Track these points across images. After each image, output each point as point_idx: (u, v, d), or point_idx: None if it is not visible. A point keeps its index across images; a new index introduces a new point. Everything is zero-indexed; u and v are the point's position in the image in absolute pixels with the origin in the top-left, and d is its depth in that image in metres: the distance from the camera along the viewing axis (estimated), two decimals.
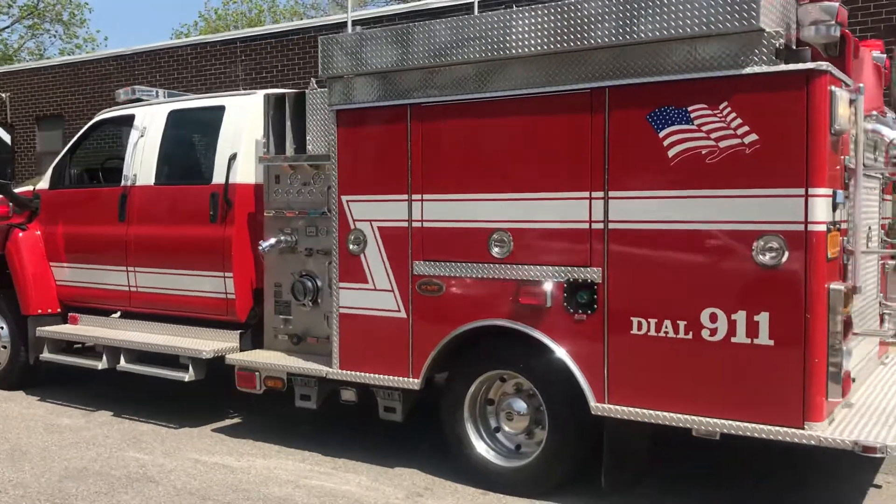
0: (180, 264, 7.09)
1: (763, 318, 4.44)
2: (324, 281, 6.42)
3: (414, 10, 16.07)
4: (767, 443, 4.57)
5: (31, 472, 5.88)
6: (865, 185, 5.00)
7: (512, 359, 5.33)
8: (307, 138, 6.58)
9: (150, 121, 7.47)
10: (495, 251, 5.25)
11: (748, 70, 4.43)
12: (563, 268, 5.01)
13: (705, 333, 4.59)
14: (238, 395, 6.68)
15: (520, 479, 5.33)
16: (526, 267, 5.14)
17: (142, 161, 7.40)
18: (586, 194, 4.91)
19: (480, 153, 5.29)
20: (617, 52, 4.79)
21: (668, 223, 4.69)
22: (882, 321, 5.86)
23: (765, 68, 4.39)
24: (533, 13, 4.99)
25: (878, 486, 5.53)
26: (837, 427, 4.42)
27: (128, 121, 7.70)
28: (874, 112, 5.27)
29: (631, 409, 4.83)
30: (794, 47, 4.67)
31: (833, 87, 4.32)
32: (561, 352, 5.03)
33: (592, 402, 4.94)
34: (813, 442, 4.34)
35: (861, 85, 4.62)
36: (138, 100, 7.97)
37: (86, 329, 7.72)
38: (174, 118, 7.38)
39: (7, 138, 8.00)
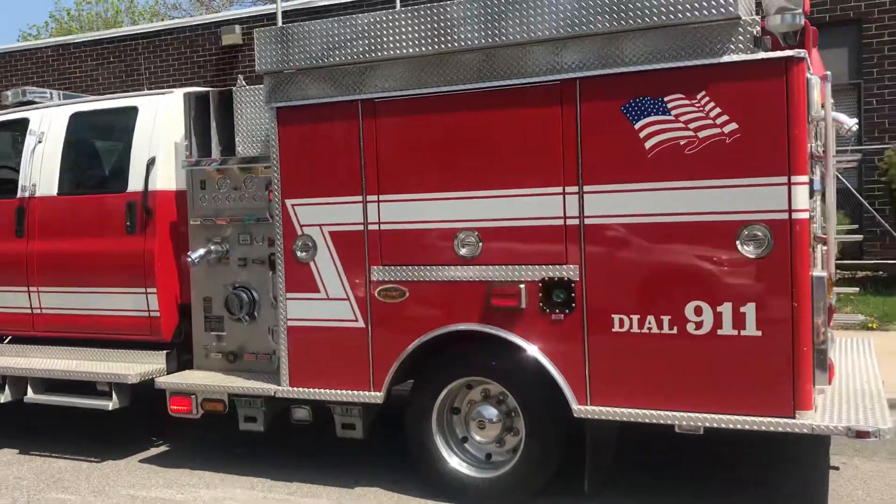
0: (93, 281, 6.44)
1: (749, 309, 4.39)
2: (262, 292, 5.98)
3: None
4: (755, 434, 4.53)
5: None
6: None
7: (485, 364, 5.08)
8: (236, 139, 6.14)
9: (48, 125, 6.75)
10: (463, 252, 5.00)
11: (726, 59, 4.37)
12: (537, 266, 4.82)
13: (691, 327, 4.51)
14: (156, 421, 6.13)
15: (498, 490, 5.09)
16: (497, 267, 4.91)
17: (41, 169, 6.68)
18: (559, 189, 4.74)
19: (443, 150, 5.02)
20: (584, 42, 4.64)
21: (647, 216, 4.57)
22: None
23: (743, 56, 4.34)
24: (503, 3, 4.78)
25: (836, 468, 5.65)
26: (824, 413, 4.43)
27: (20, 125, 6.94)
28: None
29: (615, 409, 4.69)
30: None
31: (809, 75, 4.32)
32: (539, 354, 4.83)
33: (574, 405, 4.77)
34: (806, 430, 4.33)
35: (828, 73, 4.67)
36: (30, 102, 7.22)
37: None
38: (77, 121, 6.70)
39: None
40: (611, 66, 4.59)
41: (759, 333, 4.38)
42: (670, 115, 4.49)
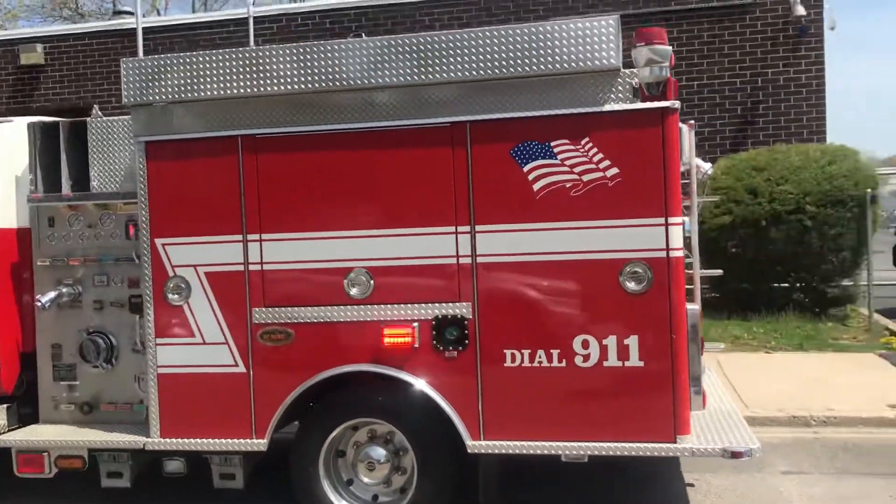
0: None
1: (632, 342, 4.69)
2: (121, 337, 5.59)
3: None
4: (639, 459, 4.81)
5: None
6: None
7: (379, 405, 5.04)
8: (91, 174, 5.72)
9: None
10: (353, 291, 4.95)
11: (607, 107, 4.67)
12: (430, 305, 4.87)
13: (578, 360, 4.74)
14: None
15: None
16: (390, 306, 4.91)
17: None
18: (452, 229, 4.83)
19: (333, 188, 4.96)
20: (475, 87, 4.79)
21: (536, 255, 4.77)
22: None
23: (623, 106, 4.66)
24: (387, 44, 4.82)
25: (692, 485, 6.09)
26: (699, 437, 4.79)
27: None
28: None
29: (507, 442, 4.82)
30: None
31: (681, 124, 4.72)
32: (432, 392, 4.87)
33: (468, 441, 4.84)
34: (687, 454, 4.68)
35: (693, 122, 5.10)
36: None
37: None
38: None
39: None
40: (500, 112, 4.77)
41: (641, 364, 4.68)
42: (556, 159, 4.72)
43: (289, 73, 4.92)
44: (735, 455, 4.61)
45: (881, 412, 7.54)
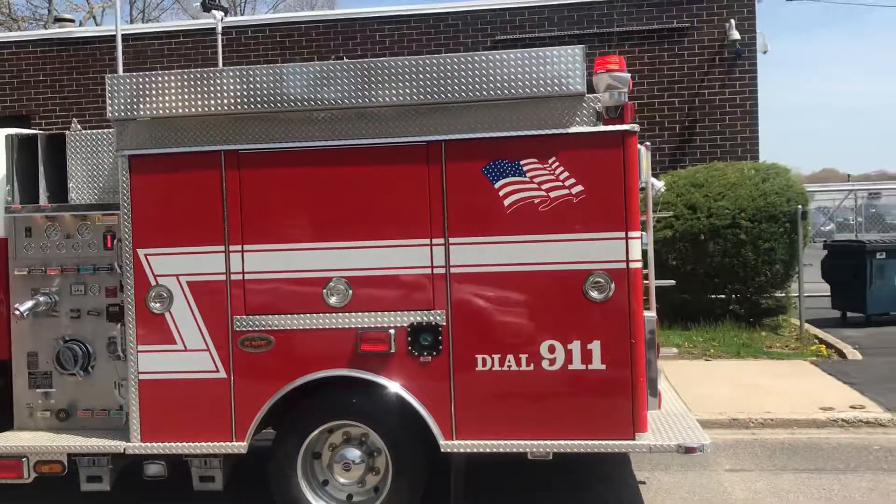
0: None
1: (595, 346, 5.05)
2: (98, 345, 5.73)
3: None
4: (598, 456, 5.17)
5: None
6: None
7: (354, 408, 5.29)
8: (70, 185, 5.87)
9: None
10: (332, 300, 5.21)
11: (573, 129, 5.05)
12: (406, 312, 5.16)
13: (545, 364, 5.08)
14: None
15: None
16: (367, 314, 5.18)
17: None
18: (427, 241, 5.13)
19: (313, 201, 5.22)
20: (451, 109, 5.10)
21: (507, 266, 5.10)
22: None
23: (587, 128, 5.04)
24: (368, 67, 5.11)
25: (643, 482, 6.49)
26: (655, 434, 5.17)
27: None
28: None
29: (478, 441, 5.13)
30: None
31: (640, 146, 5.12)
32: (408, 395, 5.15)
33: (441, 441, 5.14)
34: (645, 450, 5.06)
35: (649, 143, 5.51)
36: None
37: None
38: None
39: None
40: (473, 132, 5.10)
41: (603, 367, 5.05)
42: (526, 176, 5.07)
43: (271, 92, 5.16)
44: (689, 450, 5.00)
45: (814, 414, 8.08)
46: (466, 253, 5.12)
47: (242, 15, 42.41)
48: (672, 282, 6.51)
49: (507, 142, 5.08)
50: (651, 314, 5.19)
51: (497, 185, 5.09)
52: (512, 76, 5.01)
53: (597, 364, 5.05)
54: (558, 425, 5.09)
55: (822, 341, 11.61)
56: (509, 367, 5.10)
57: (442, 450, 5.15)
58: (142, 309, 5.35)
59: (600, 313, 5.04)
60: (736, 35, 14.88)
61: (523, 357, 5.09)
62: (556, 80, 4.99)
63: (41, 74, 16.58)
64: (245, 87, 5.19)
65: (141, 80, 5.27)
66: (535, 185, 5.07)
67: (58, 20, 21.53)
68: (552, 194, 5.05)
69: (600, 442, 5.06)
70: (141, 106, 5.28)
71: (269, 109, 5.19)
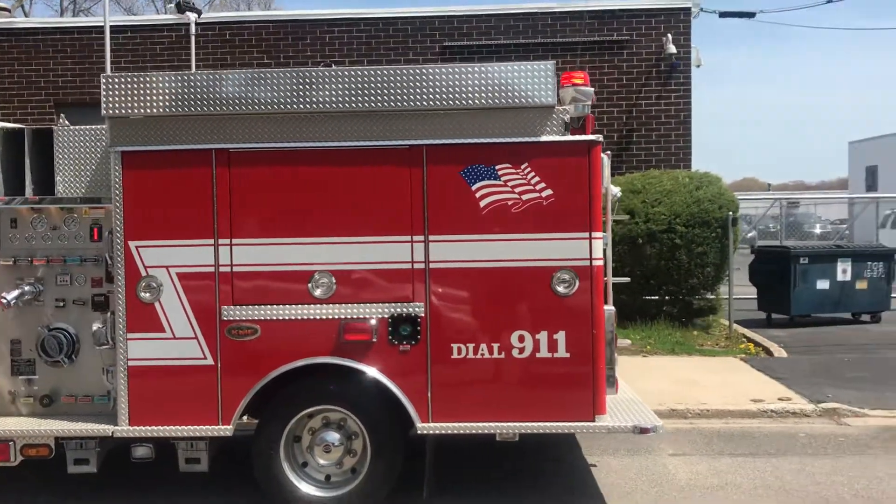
0: None
1: (560, 336, 5.52)
2: (82, 333, 5.93)
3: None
4: (559, 436, 5.64)
5: None
6: None
7: (336, 393, 5.64)
8: (56, 178, 6.06)
9: None
10: (317, 292, 5.55)
11: (543, 138, 5.51)
12: (387, 304, 5.53)
13: (515, 352, 5.52)
14: None
15: None
16: (350, 305, 5.54)
17: None
18: (408, 238, 5.52)
19: (299, 198, 5.54)
20: (432, 116, 5.50)
21: (481, 262, 5.53)
22: None
23: (556, 137, 5.51)
24: (355, 73, 5.48)
25: (594, 465, 7.00)
26: (613, 417, 5.67)
27: None
28: None
29: (453, 423, 5.54)
30: None
31: (603, 154, 5.61)
32: (387, 381, 5.52)
33: (418, 423, 5.53)
34: (604, 431, 5.57)
35: (609, 153, 6.01)
36: None
37: None
38: None
39: None
40: (452, 137, 5.51)
41: (567, 355, 5.51)
42: (500, 180, 5.51)
43: (263, 95, 5.47)
44: (643, 431, 5.51)
45: (745, 406, 8.74)
46: (444, 250, 5.52)
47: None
48: (627, 279, 7.04)
49: (483, 147, 5.50)
50: (610, 308, 5.69)
51: (474, 188, 5.51)
52: (489, 87, 5.44)
53: (562, 352, 5.51)
54: (525, 408, 5.53)
55: (750, 340, 12.40)
56: (482, 355, 5.53)
57: (419, 431, 5.54)
58: (132, 298, 5.59)
59: (565, 306, 5.51)
60: (672, 49, 15.67)
61: (495, 346, 5.52)
62: (529, 92, 5.44)
63: None
64: (235, 89, 5.49)
65: (135, 79, 5.52)
66: (509, 189, 5.51)
67: None
68: (524, 197, 5.50)
69: (564, 424, 5.54)
70: (134, 104, 5.52)
71: (258, 111, 5.50)
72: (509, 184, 5.51)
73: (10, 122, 15.79)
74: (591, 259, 5.50)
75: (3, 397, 5.98)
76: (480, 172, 5.51)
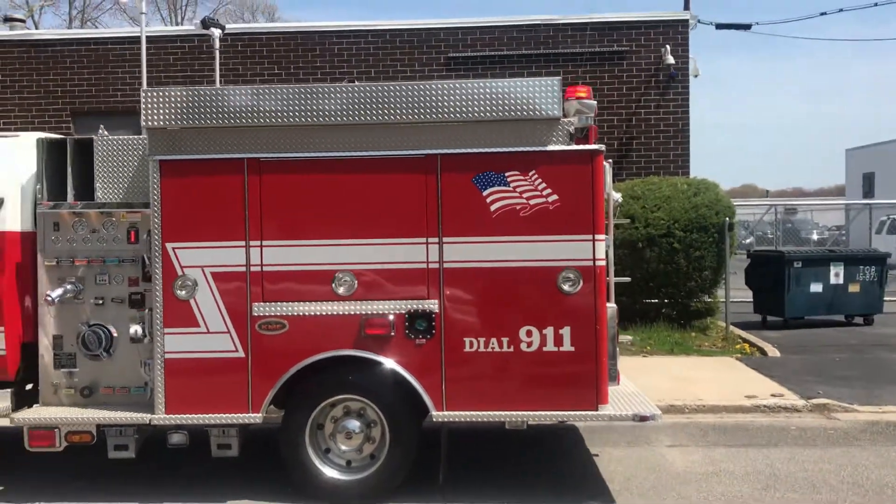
0: None
1: (566, 331, 5.96)
2: (119, 329, 6.37)
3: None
4: (564, 430, 6.06)
5: None
6: None
7: (357, 384, 6.08)
8: (96, 185, 6.50)
9: None
10: (340, 290, 5.99)
11: (550, 147, 5.96)
12: (404, 301, 5.98)
13: (523, 346, 5.96)
14: None
15: (368, 488, 6.09)
16: (370, 302, 5.99)
17: None
18: (424, 240, 5.97)
19: (324, 203, 5.99)
20: (446, 127, 5.96)
21: (492, 262, 5.97)
22: None
23: (562, 147, 5.96)
24: (379, 90, 5.94)
25: (597, 455, 7.44)
26: (615, 406, 6.11)
27: None
28: None
29: (465, 412, 5.98)
30: None
31: (605, 163, 6.06)
32: (404, 372, 5.96)
33: (434, 412, 5.97)
34: (605, 419, 6.00)
35: (611, 161, 6.46)
36: None
37: None
38: None
39: None
40: (465, 147, 5.96)
41: (572, 349, 5.95)
42: (509, 186, 5.96)
43: (293, 108, 5.93)
44: (643, 419, 5.95)
45: (740, 401, 9.18)
46: (457, 251, 5.97)
47: (181, 22, 42.53)
48: (628, 279, 7.49)
49: (494, 156, 5.96)
50: (612, 305, 6.13)
51: (485, 193, 5.96)
52: (500, 100, 5.90)
53: (567, 346, 5.95)
54: (533, 398, 5.97)
55: (745, 341, 12.84)
56: (492, 348, 5.97)
57: (434, 419, 5.98)
58: (169, 296, 6.04)
59: (570, 303, 5.95)
60: (671, 60, 16.17)
61: (505, 340, 5.96)
62: (537, 105, 5.89)
63: (0, 75, 16.79)
64: (266, 103, 5.94)
65: (173, 94, 5.98)
66: (518, 194, 5.96)
67: (7, 20, 21.61)
68: (531, 202, 5.95)
69: (569, 413, 5.98)
70: (172, 117, 5.98)
71: (287, 123, 5.95)
72: (518, 189, 5.96)
73: (28, 129, 16.30)
74: (594, 259, 5.94)
75: (46, 388, 6.42)
76: (491, 179, 5.96)
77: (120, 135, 6.76)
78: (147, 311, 6.19)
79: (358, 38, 16.51)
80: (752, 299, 14.88)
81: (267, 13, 52.64)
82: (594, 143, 6.18)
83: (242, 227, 6.02)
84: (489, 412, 5.98)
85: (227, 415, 6.02)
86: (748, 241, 26.60)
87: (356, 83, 6.01)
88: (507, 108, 5.91)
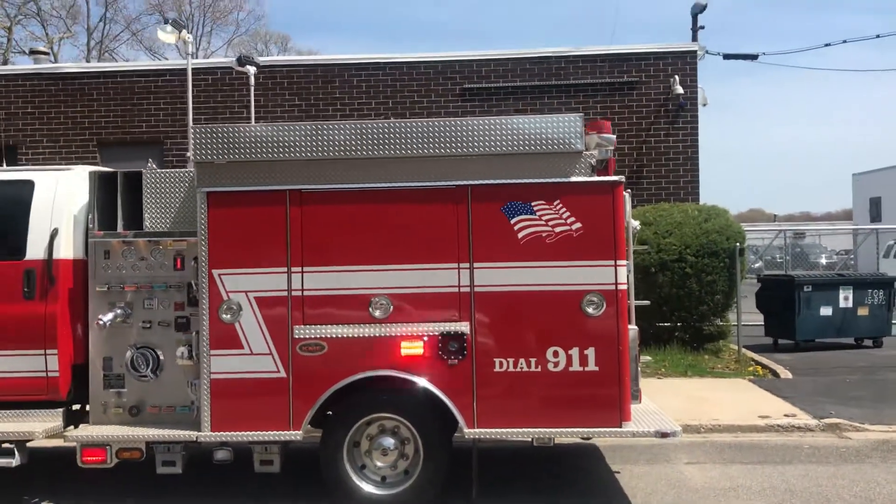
0: None
1: (591, 352, 6.30)
2: (166, 351, 6.72)
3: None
4: (585, 449, 6.37)
5: None
6: None
7: (393, 402, 6.42)
8: (145, 215, 6.88)
9: None
10: (376, 313, 6.35)
11: (573, 179, 6.34)
12: (437, 324, 6.33)
13: (550, 366, 6.30)
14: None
15: (403, 502, 6.40)
16: (405, 324, 6.34)
17: None
18: (455, 265, 6.34)
19: (362, 231, 6.37)
20: (477, 160, 6.35)
21: (519, 286, 6.33)
22: None
23: (584, 178, 6.34)
24: (413, 126, 6.34)
25: (618, 472, 7.74)
26: (637, 423, 6.42)
27: None
28: None
29: (495, 430, 6.31)
30: None
31: (625, 192, 6.44)
32: (437, 391, 6.30)
33: (465, 429, 6.30)
34: (629, 435, 6.32)
35: (630, 190, 6.83)
36: None
37: None
38: None
39: None
40: (494, 178, 6.34)
41: (597, 369, 6.29)
42: (536, 215, 6.33)
43: (332, 143, 6.33)
44: (664, 435, 6.28)
45: (754, 421, 9.47)
46: (487, 275, 6.33)
47: (196, 54, 43.30)
48: (647, 302, 7.82)
49: (521, 187, 6.34)
50: (633, 327, 6.48)
51: (512, 221, 6.33)
52: (526, 135, 6.29)
53: (591, 366, 6.29)
54: (560, 416, 6.30)
55: (757, 363, 13.13)
56: (521, 368, 6.31)
57: (466, 436, 6.31)
58: (215, 319, 6.41)
59: (594, 325, 6.30)
60: (679, 90, 16.59)
61: (532, 360, 6.31)
62: (561, 140, 6.28)
63: (29, 107, 17.32)
64: (308, 138, 6.35)
65: (220, 130, 6.39)
66: (543, 222, 6.33)
67: (33, 52, 22.24)
68: (557, 229, 6.32)
69: (594, 429, 6.31)
70: (218, 151, 6.38)
71: (327, 157, 6.35)
72: (543, 218, 6.33)
73: (56, 159, 16.75)
74: (616, 284, 6.30)
75: (96, 408, 6.77)
76: (518, 208, 6.34)
77: (144, 164, 7.17)
78: (193, 333, 6.56)
79: (376, 71, 16.99)
80: (763, 323, 15.17)
81: (280, 43, 53.50)
82: (614, 175, 6.56)
83: (284, 254, 6.40)
84: (518, 429, 6.31)
85: (269, 432, 6.36)
86: (757, 265, 26.85)
87: (392, 120, 6.40)
88: (533, 142, 6.30)
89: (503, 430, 6.32)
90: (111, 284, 6.78)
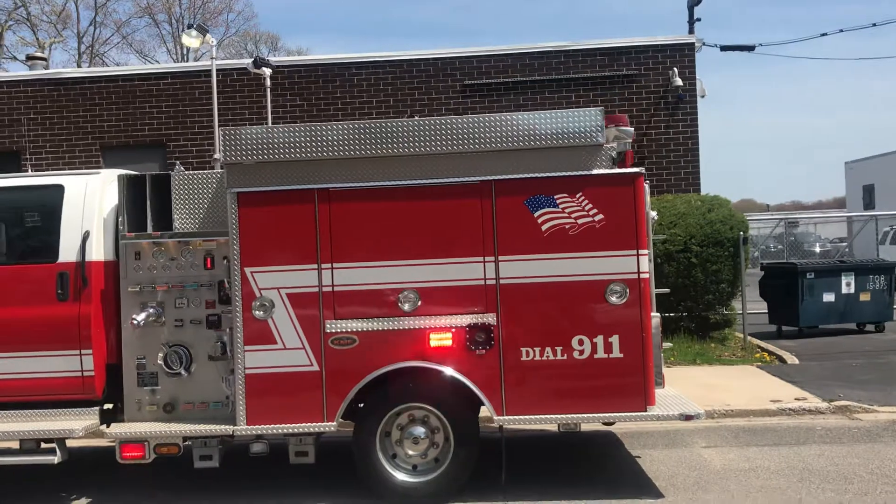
0: (18, 347, 6.80)
1: (615, 339, 6.48)
2: (197, 349, 6.87)
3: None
4: (606, 437, 6.56)
5: None
6: None
7: (423, 392, 6.59)
8: (174, 216, 7.01)
9: None
10: (405, 306, 6.52)
11: (595, 171, 6.51)
12: (465, 315, 6.50)
13: (576, 354, 6.48)
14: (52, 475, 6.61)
15: (436, 488, 6.58)
16: (433, 317, 6.51)
17: None
18: (481, 259, 6.51)
19: (390, 227, 6.53)
20: (500, 155, 6.52)
21: (544, 277, 6.50)
22: None
23: (605, 171, 6.52)
24: (438, 124, 6.50)
25: (638, 457, 7.93)
26: (661, 407, 6.61)
27: None
28: None
29: (524, 416, 6.49)
30: None
31: (645, 184, 6.62)
32: (467, 381, 6.47)
33: (495, 416, 6.48)
34: (654, 419, 6.51)
35: (649, 181, 7.01)
36: None
37: None
38: None
39: None
40: (517, 173, 6.51)
41: (621, 355, 6.47)
42: (559, 207, 6.50)
43: (358, 143, 6.49)
44: (688, 417, 6.47)
45: (766, 405, 9.67)
46: (512, 268, 6.50)
47: (185, 56, 43.34)
48: (667, 290, 8.01)
49: (544, 181, 6.51)
50: (656, 314, 6.66)
51: (536, 214, 6.50)
52: (548, 130, 6.46)
53: (616, 353, 6.47)
54: (586, 401, 6.48)
55: (764, 350, 13.35)
56: (547, 357, 6.48)
57: (495, 423, 6.49)
58: (248, 316, 6.56)
59: (618, 313, 6.47)
60: (678, 82, 16.77)
61: (558, 349, 6.48)
62: (582, 134, 6.45)
63: (32, 112, 17.39)
64: (335, 138, 6.50)
65: (249, 133, 6.54)
66: (566, 215, 6.50)
67: (30, 58, 22.28)
68: (579, 221, 6.49)
69: (620, 414, 6.49)
70: (247, 153, 6.53)
71: (354, 156, 6.51)
72: (566, 210, 6.50)
73: (60, 164, 16.83)
74: (638, 272, 6.48)
75: (131, 405, 6.92)
76: (542, 201, 6.51)
77: (147, 166, 7.30)
78: (227, 330, 6.71)
79: (377, 69, 17.12)
80: (767, 310, 15.39)
81: (269, 43, 53.51)
82: (632, 166, 6.74)
83: (314, 251, 6.56)
84: (546, 415, 6.49)
85: (303, 424, 6.52)
86: (755, 254, 27.12)
87: (416, 118, 6.56)
88: (554, 136, 6.47)
89: (532, 416, 6.49)
90: (142, 284, 6.92)
